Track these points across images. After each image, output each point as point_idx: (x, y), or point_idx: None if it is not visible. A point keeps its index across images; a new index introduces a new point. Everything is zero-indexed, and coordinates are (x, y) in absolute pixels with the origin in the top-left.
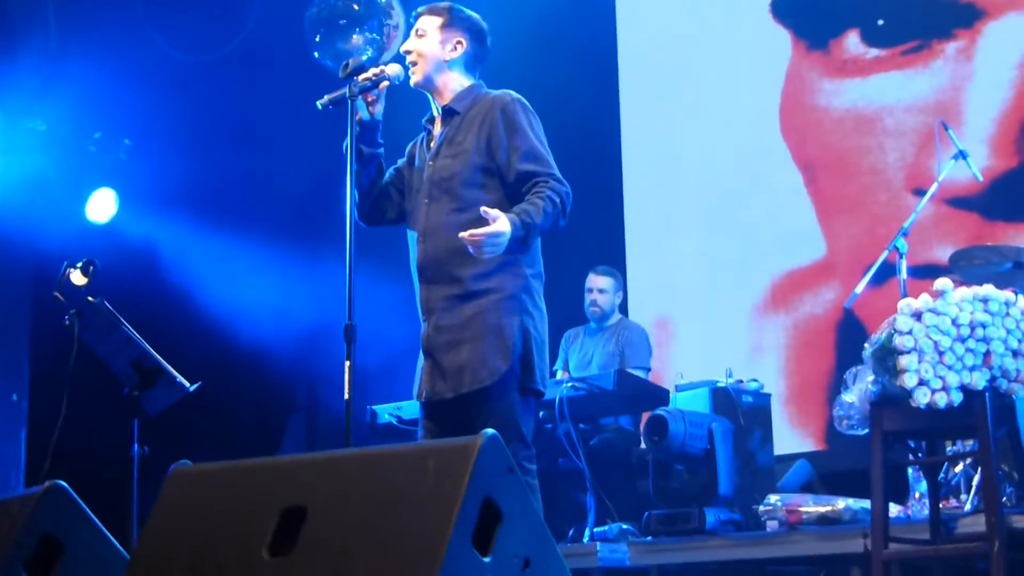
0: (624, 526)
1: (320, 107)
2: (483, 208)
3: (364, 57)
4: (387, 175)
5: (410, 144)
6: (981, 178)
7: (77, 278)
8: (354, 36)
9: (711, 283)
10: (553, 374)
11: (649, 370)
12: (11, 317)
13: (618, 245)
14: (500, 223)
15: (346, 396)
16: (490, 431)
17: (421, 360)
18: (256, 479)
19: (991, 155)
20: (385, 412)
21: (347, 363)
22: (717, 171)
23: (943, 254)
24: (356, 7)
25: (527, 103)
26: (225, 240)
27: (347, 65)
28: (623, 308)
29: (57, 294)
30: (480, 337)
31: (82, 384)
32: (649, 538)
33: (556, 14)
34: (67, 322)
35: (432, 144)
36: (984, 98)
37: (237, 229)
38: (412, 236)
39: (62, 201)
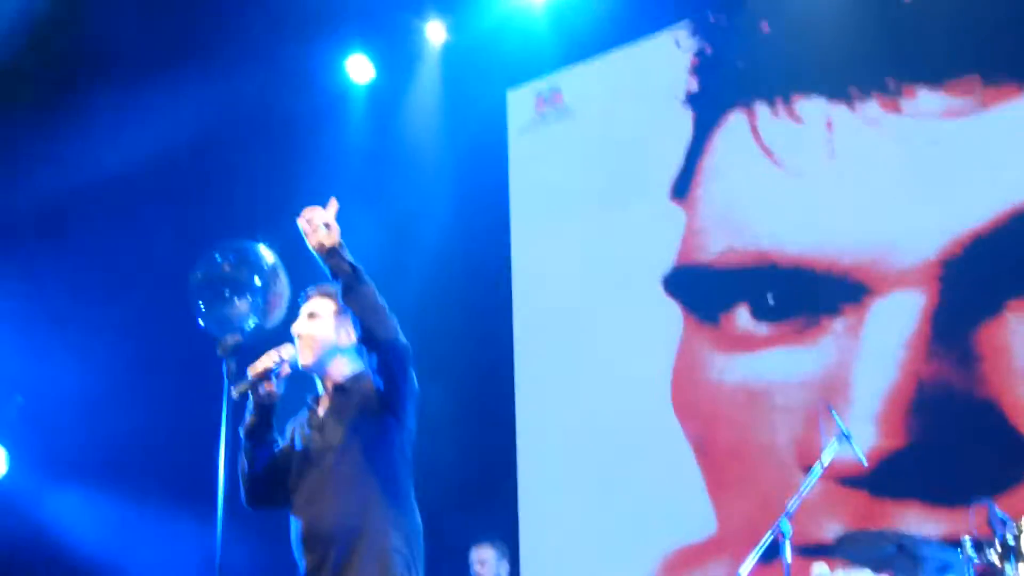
0: None
1: (236, 397)
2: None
3: (248, 325)
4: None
5: (290, 423)
6: (865, 462)
7: None
8: (238, 302)
9: (602, 557)
10: None
11: None
12: None
13: (511, 521)
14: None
15: None
16: None
17: None
18: None
19: (878, 434)
20: None
21: None
22: (609, 441)
23: (831, 532)
24: (241, 273)
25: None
26: (112, 504)
27: (225, 344)
28: None
29: None
30: None
31: None
32: None
33: (453, 282)
34: None
35: (316, 420)
36: (871, 376)
37: (124, 494)
38: (293, 513)
39: None
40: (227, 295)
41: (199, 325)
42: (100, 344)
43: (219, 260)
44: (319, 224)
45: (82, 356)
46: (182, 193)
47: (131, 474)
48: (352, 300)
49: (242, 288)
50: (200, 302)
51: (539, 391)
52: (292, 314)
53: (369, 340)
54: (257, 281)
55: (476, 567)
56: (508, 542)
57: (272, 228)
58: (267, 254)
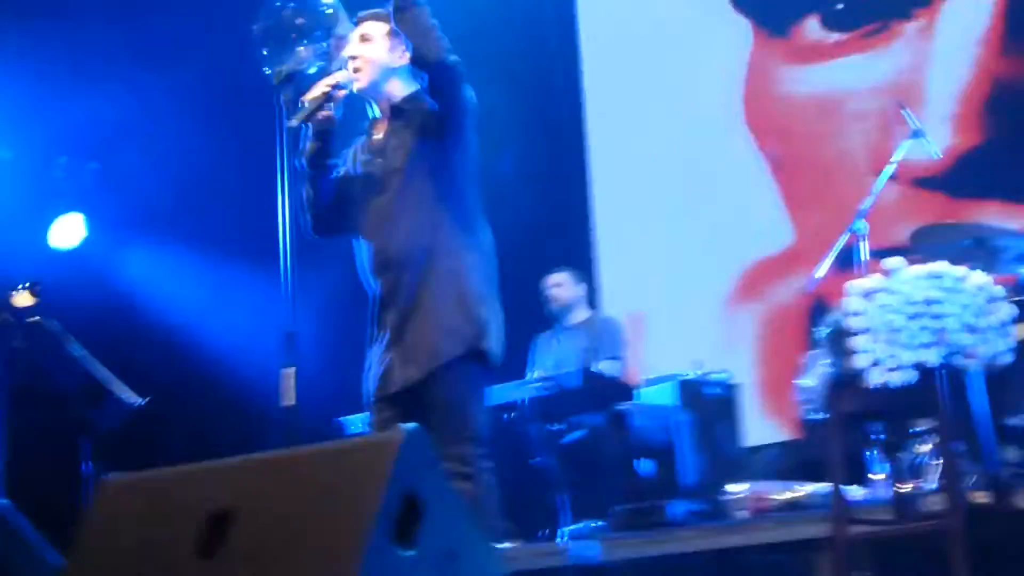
0: (595, 523)
1: (294, 126)
2: None
3: (312, 69)
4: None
5: (348, 149)
6: (939, 155)
7: (23, 299)
8: (301, 48)
9: (681, 277)
10: (523, 378)
11: (622, 360)
12: None
13: (586, 244)
14: None
15: (290, 402)
16: (412, 426)
17: (379, 359)
18: (184, 485)
19: (954, 133)
20: (357, 423)
21: (291, 369)
22: (683, 163)
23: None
24: (302, 20)
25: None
26: (185, 259)
27: (280, 72)
28: (592, 306)
29: (3, 315)
30: (440, 315)
31: (33, 405)
32: (616, 533)
33: (517, 9)
34: (15, 343)
35: (376, 144)
36: (945, 77)
37: (194, 247)
38: (361, 238)
39: (27, 227)
40: (289, 41)
41: (264, 74)
42: (164, 100)
43: (279, 6)
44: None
45: (143, 114)
46: None
47: (199, 224)
48: (403, 21)
49: (304, 32)
50: (263, 50)
51: (610, 113)
52: None
53: (420, 61)
54: (318, 24)
55: (552, 290)
56: (585, 269)
57: None
58: None
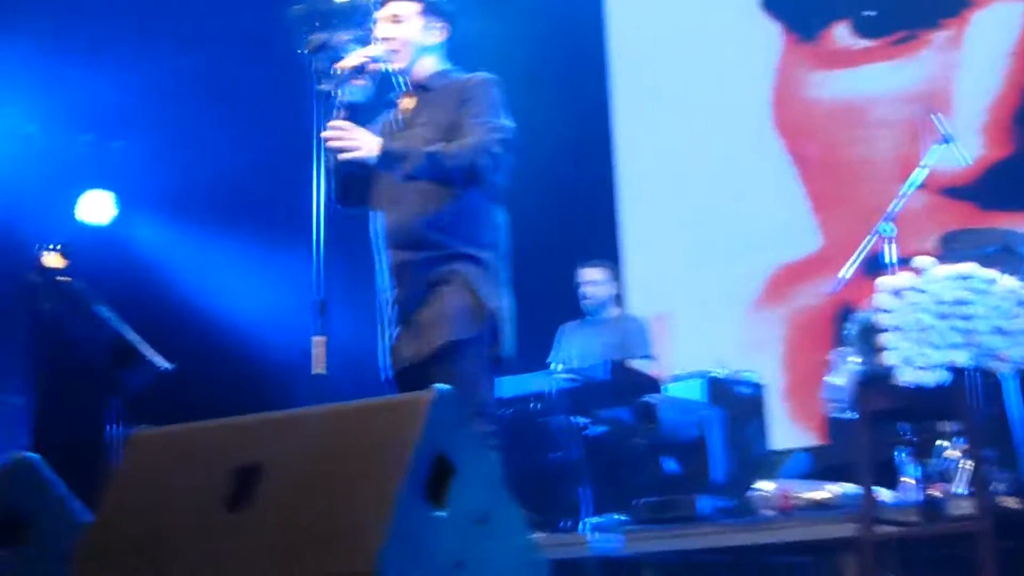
0: (619, 516)
1: (326, 91)
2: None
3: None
4: None
5: (378, 123)
6: (970, 162)
7: (53, 260)
8: (339, 33)
9: (707, 279)
10: (547, 366)
11: (652, 359)
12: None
13: (613, 242)
14: (367, 137)
15: (321, 370)
16: (444, 386)
17: (387, 334)
18: (213, 440)
19: (984, 144)
20: None
21: (322, 338)
22: (711, 164)
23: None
24: (340, 5)
25: (497, 81)
26: (211, 238)
27: (313, 41)
28: (620, 304)
29: (33, 275)
30: (453, 297)
31: (62, 363)
32: (640, 526)
33: (546, 11)
34: (44, 303)
35: (402, 118)
36: (974, 87)
37: (219, 225)
38: (377, 211)
39: (54, 202)
40: (327, 26)
41: (297, 51)
42: (188, 76)
43: None
44: (352, 144)
45: (164, 94)
46: None
47: (229, 199)
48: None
49: (342, 18)
50: (300, 33)
51: (638, 112)
52: None
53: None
54: (356, 10)
55: (587, 287)
56: (612, 267)
57: None
58: None
